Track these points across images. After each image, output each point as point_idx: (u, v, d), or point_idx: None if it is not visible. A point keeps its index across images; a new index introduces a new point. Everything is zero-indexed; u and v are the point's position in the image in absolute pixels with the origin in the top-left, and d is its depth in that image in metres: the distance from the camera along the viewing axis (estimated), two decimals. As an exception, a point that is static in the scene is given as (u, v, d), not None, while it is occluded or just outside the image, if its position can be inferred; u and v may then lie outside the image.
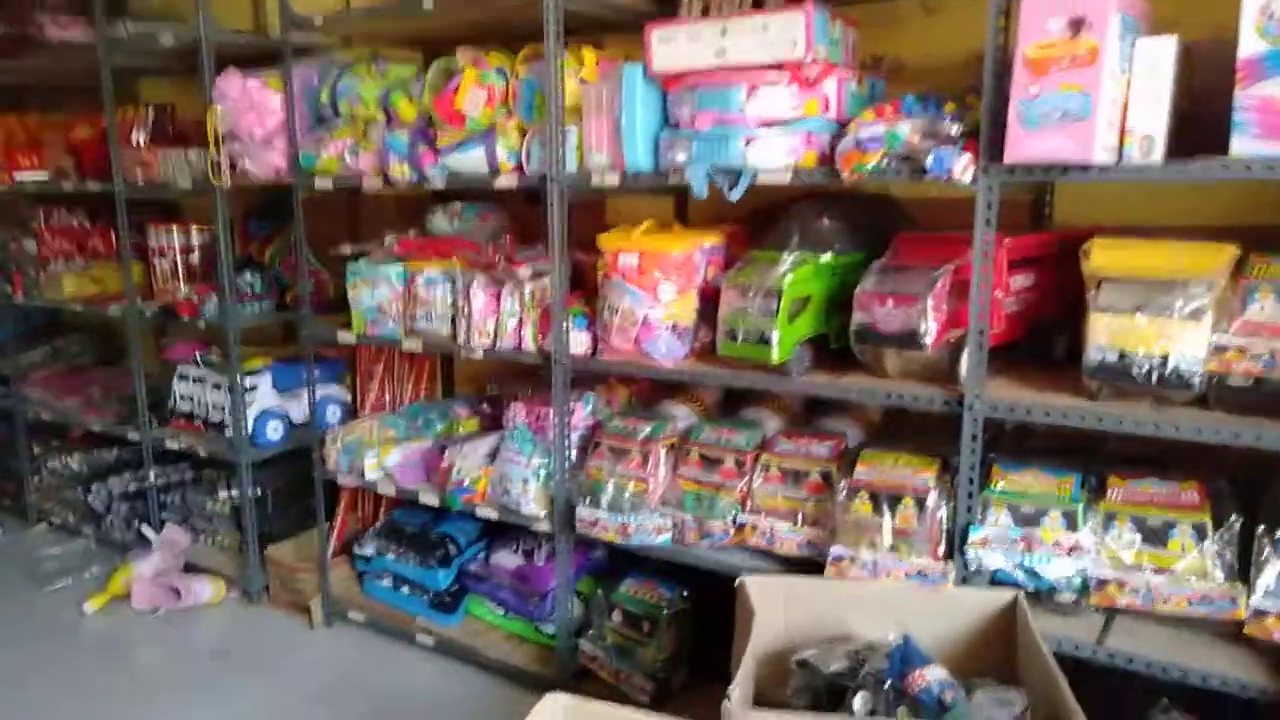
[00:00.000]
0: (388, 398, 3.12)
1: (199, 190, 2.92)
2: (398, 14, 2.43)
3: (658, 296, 2.11)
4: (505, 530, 2.67)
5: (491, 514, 2.47)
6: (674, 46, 2.00)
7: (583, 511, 2.25)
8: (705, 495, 2.15)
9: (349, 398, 3.18)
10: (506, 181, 2.29)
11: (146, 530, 3.22)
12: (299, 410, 3.15)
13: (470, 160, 2.31)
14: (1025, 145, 1.63)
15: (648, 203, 2.65)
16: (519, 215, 2.86)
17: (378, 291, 2.59)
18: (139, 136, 3.25)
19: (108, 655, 2.82)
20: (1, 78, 3.66)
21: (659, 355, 2.14)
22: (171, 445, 3.19)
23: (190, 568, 3.16)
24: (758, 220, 2.36)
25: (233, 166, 2.78)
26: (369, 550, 2.87)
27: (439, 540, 2.77)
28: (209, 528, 3.28)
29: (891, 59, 2.28)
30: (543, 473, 2.38)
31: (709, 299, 2.16)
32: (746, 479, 2.11)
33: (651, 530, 2.17)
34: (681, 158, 2.02)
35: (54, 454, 3.68)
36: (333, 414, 3.14)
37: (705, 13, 2.11)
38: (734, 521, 2.10)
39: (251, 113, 2.67)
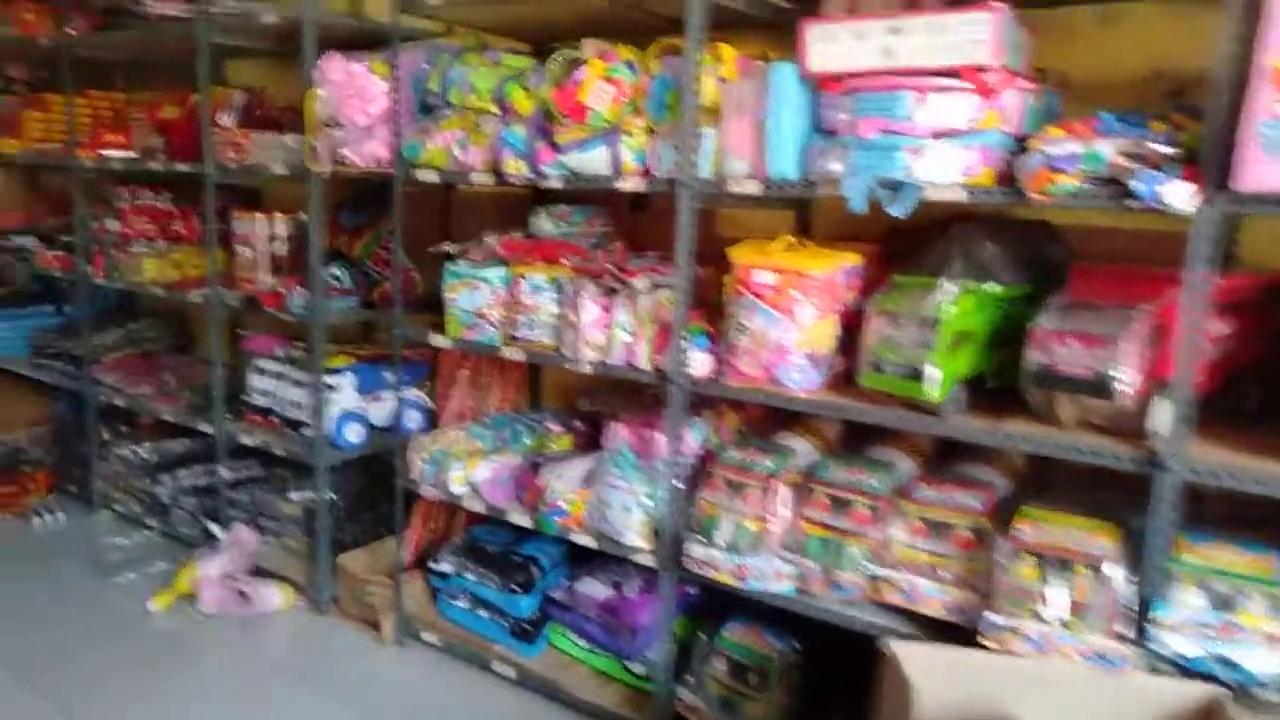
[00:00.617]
0: (470, 405, 2.96)
1: (292, 177, 2.79)
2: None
3: (795, 319, 1.92)
4: (591, 556, 2.49)
5: (588, 542, 2.29)
6: (834, 45, 1.81)
7: (694, 549, 2.06)
8: (833, 541, 1.94)
9: (429, 403, 3.03)
10: (630, 184, 2.11)
11: (214, 528, 3.09)
12: (379, 413, 3.01)
13: (592, 160, 2.13)
14: (1266, 173, 1.41)
15: (765, 214, 2.46)
16: (623, 221, 2.69)
17: (477, 295, 2.43)
18: (227, 118, 3.14)
19: (171, 657, 2.69)
20: (92, 53, 3.59)
21: (792, 384, 1.94)
22: (245, 441, 3.06)
23: (257, 570, 3.03)
24: (894, 240, 2.16)
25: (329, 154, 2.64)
26: (446, 567, 2.70)
27: (522, 563, 2.60)
28: (278, 529, 3.14)
29: (1057, 72, 2.06)
30: (647, 501, 2.20)
31: (848, 325, 1.97)
32: (882, 527, 1.90)
33: (772, 575, 1.97)
34: (836, 167, 1.82)
35: (122, 441, 3.58)
36: (412, 419, 2.99)
37: (851, 11, 1.92)
38: (867, 574, 1.89)
39: (354, 98, 2.53)
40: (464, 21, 2.65)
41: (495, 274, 2.41)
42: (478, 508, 2.53)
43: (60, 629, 2.83)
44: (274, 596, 2.89)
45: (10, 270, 4.04)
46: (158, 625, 2.88)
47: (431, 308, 2.79)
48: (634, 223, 2.69)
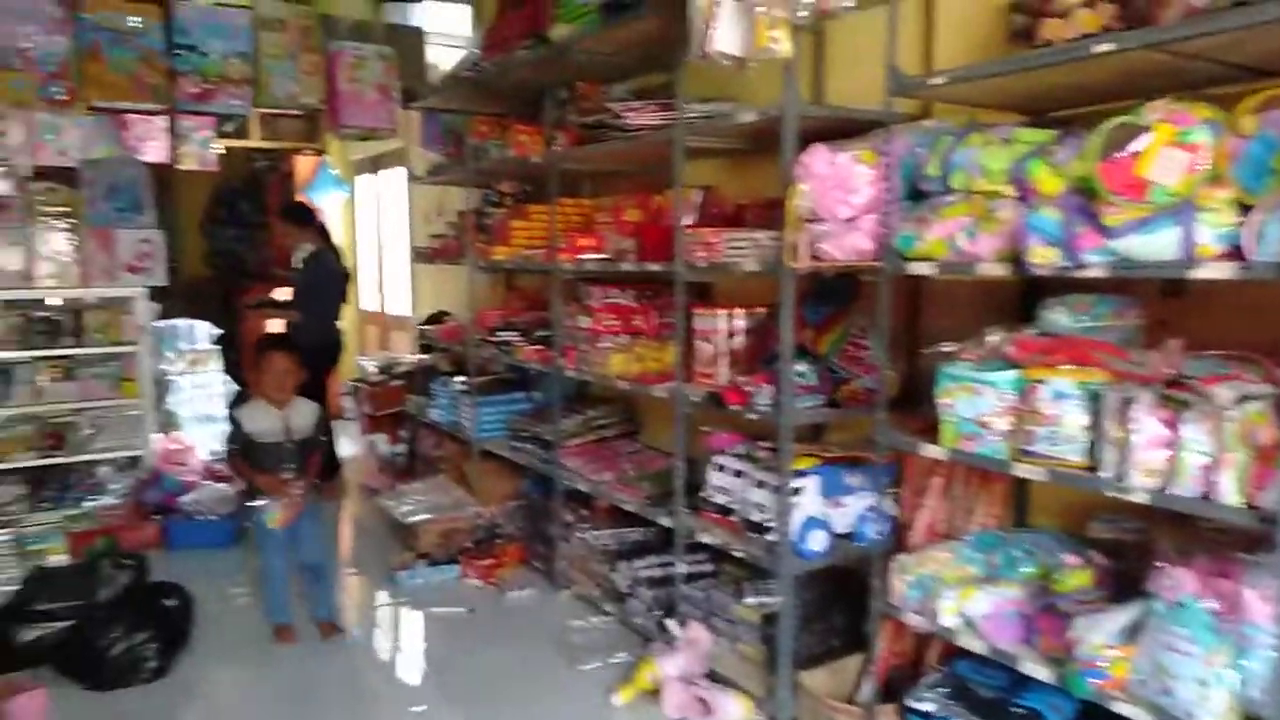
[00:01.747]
0: (943, 519, 2.64)
1: (751, 273, 2.74)
2: (1053, 62, 1.95)
3: None
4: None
5: (1138, 715, 1.83)
6: None
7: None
8: None
9: (895, 512, 2.75)
10: (1210, 271, 1.70)
11: (670, 624, 3.07)
12: (841, 519, 2.81)
13: (1155, 243, 1.75)
14: None
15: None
16: (1154, 311, 2.23)
17: (980, 401, 2.13)
18: (687, 218, 3.21)
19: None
20: (570, 166, 3.93)
21: None
22: (704, 538, 3.02)
23: (712, 674, 2.94)
24: None
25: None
26: (928, 707, 2.36)
27: (1026, 717, 2.18)
28: (730, 632, 3.04)
29: None
30: (1233, 676, 1.70)
31: None
32: None
33: None
34: None
35: (582, 524, 3.77)
36: (875, 529, 2.73)
37: None
38: None
39: (837, 190, 2.40)
40: (961, 100, 2.41)
41: (1003, 378, 2.10)
42: (975, 646, 2.18)
43: (533, 708, 2.96)
44: (734, 708, 2.76)
45: (494, 361, 4.55)
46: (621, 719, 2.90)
47: (903, 409, 2.55)
48: (1167, 313, 2.22)
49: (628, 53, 3.57)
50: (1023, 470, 2.06)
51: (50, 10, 4.06)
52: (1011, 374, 2.09)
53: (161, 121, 5.19)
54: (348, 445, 6.18)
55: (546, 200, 4.08)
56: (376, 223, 7.63)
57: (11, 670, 3.09)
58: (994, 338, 2.19)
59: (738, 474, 2.95)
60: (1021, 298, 2.43)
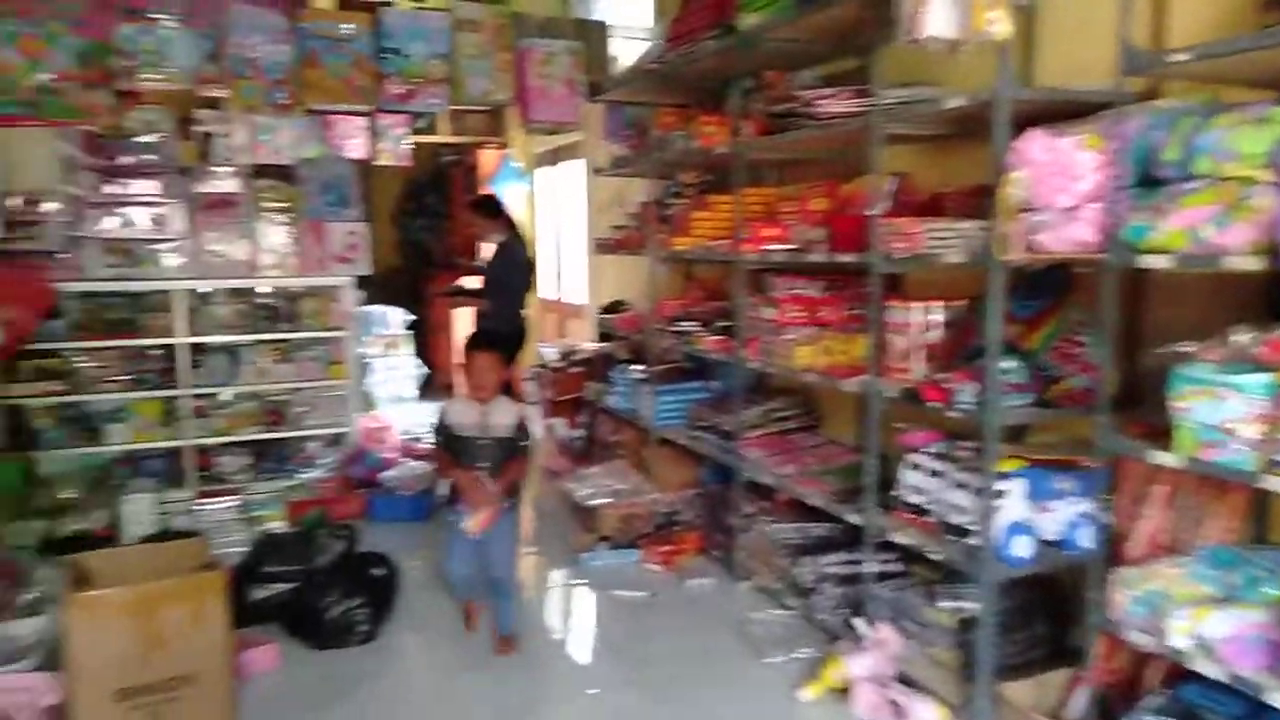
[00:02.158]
0: (1168, 531, 2.44)
1: (964, 265, 2.62)
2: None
3: None
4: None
5: None
6: None
7: None
8: None
9: (1110, 521, 2.58)
10: None
11: (858, 623, 3.01)
12: (1048, 526, 2.66)
13: None
14: None
15: None
16: None
17: (1224, 406, 1.95)
18: (878, 207, 3.11)
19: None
20: (755, 155, 3.90)
21: None
22: (895, 538, 2.94)
23: (902, 678, 2.86)
24: None
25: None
26: (1149, 731, 2.21)
27: (1269, 752, 2.00)
28: (922, 636, 2.95)
29: None
30: None
31: None
32: None
33: None
34: None
35: (762, 516, 3.75)
36: (1086, 538, 2.57)
37: None
38: None
39: (1057, 177, 2.26)
40: (1203, 77, 2.21)
41: (1253, 381, 1.91)
42: (1211, 671, 2.01)
43: (715, 697, 2.99)
44: (929, 714, 2.68)
45: (672, 350, 4.59)
46: (808, 715, 2.87)
47: (1123, 411, 2.38)
48: None
49: (819, 39, 3.50)
50: (1274, 483, 1.87)
51: (276, 22, 4.41)
52: (1264, 378, 1.91)
53: (362, 121, 5.53)
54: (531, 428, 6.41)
55: (729, 190, 4.07)
56: (555, 214, 7.86)
57: (245, 625, 3.41)
58: (1241, 338, 2.00)
59: (935, 473, 2.85)
60: (1266, 293, 2.22)
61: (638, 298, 5.69)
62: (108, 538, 4.33)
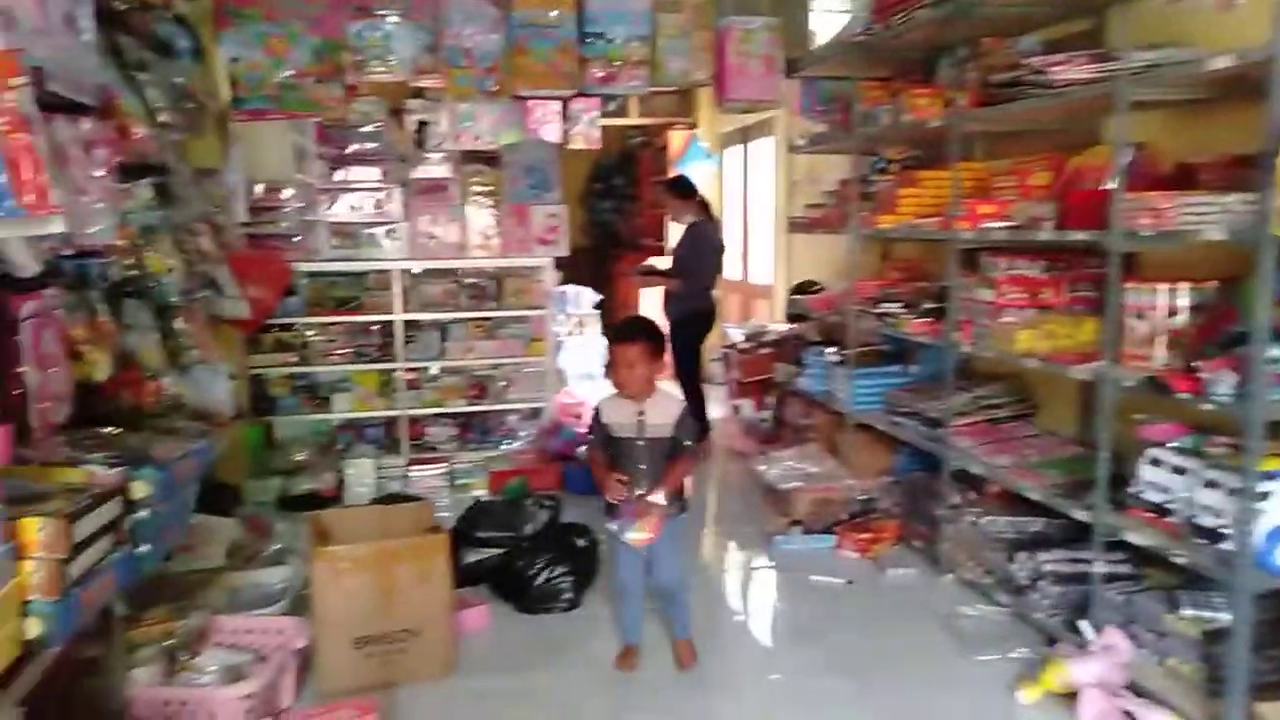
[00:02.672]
0: None
1: (1229, 243, 2.38)
2: None
3: None
4: None
5: None
6: None
7: None
8: None
9: (1399, 530, 2.28)
10: None
11: (1084, 626, 2.83)
12: (1319, 533, 2.38)
13: None
14: None
15: None
16: None
17: None
18: (1111, 181, 2.88)
19: (1046, 764, 2.51)
20: (970, 127, 3.71)
21: None
22: (1131, 538, 2.73)
23: (1133, 688, 2.67)
24: None
25: None
26: None
27: None
28: (1158, 646, 2.73)
29: None
30: None
31: None
32: None
33: None
34: None
35: (970, 507, 3.59)
36: (1369, 547, 2.29)
37: None
38: None
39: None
40: None
41: None
42: None
43: (923, 690, 2.89)
44: (1167, 729, 2.48)
45: (867, 333, 4.47)
46: (1028, 718, 2.73)
47: None
48: None
49: (1045, 2, 3.27)
50: None
51: (489, 12, 4.61)
52: None
53: (557, 105, 5.69)
54: (716, 409, 6.43)
55: (938, 166, 3.89)
56: (743, 194, 7.81)
57: (459, 586, 3.62)
58: None
59: (1179, 470, 2.62)
60: None
61: (830, 278, 5.57)
62: (334, 497, 4.72)
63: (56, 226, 1.78)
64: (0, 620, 1.66)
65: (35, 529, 1.76)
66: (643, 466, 2.89)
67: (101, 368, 2.47)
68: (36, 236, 1.97)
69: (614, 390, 2.98)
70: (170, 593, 2.97)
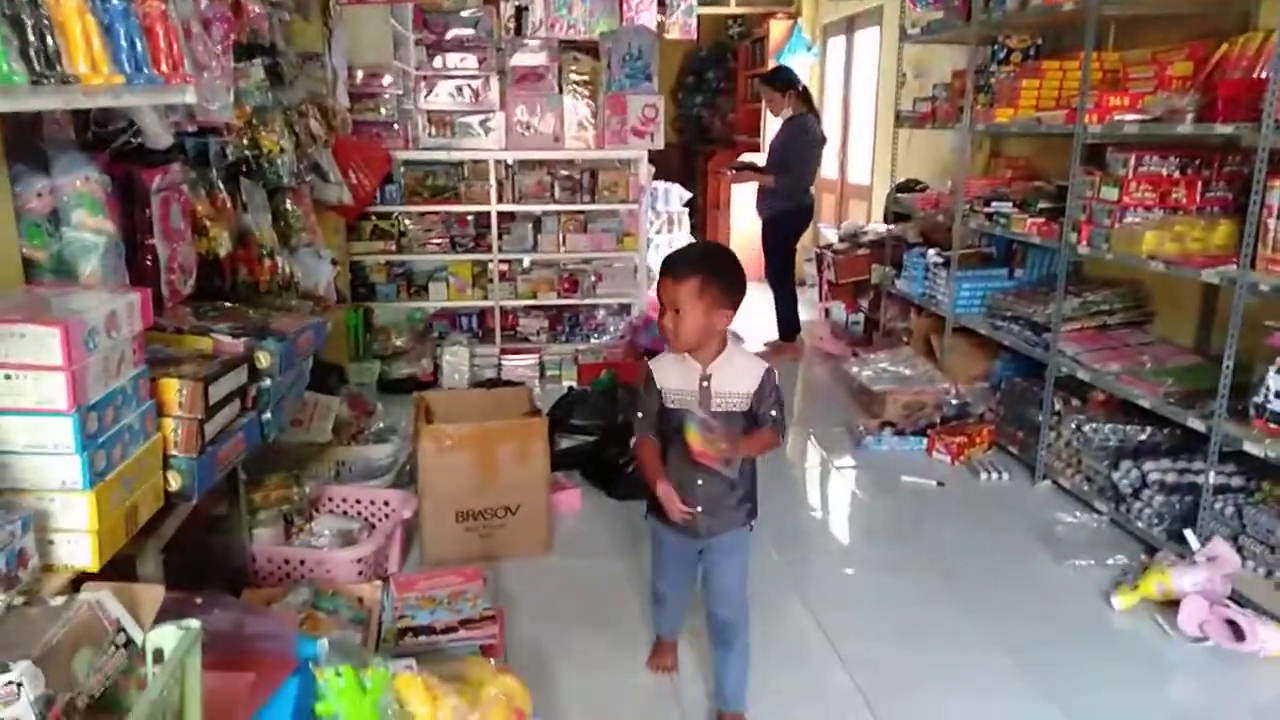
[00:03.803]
0: None
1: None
2: None
3: None
4: None
5: None
6: None
7: None
8: None
9: None
10: None
11: (1189, 535, 2.76)
12: None
13: None
14: None
15: None
16: None
17: None
18: (1265, 69, 2.65)
19: (1132, 664, 2.49)
20: (1112, 11, 3.43)
21: None
22: (1251, 449, 2.62)
23: (1236, 599, 2.61)
24: None
25: None
26: None
27: None
28: (1269, 559, 2.65)
29: None
30: None
31: None
32: None
33: None
34: None
35: (1074, 415, 3.49)
36: None
37: None
38: None
39: None
40: None
41: None
42: None
43: (1013, 591, 2.88)
44: (1274, 639, 2.43)
45: (972, 234, 4.30)
46: (1119, 623, 2.70)
47: None
48: None
49: None
50: None
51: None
52: None
53: (655, -8, 5.51)
54: (806, 311, 6.35)
55: (1063, 55, 3.65)
56: (843, 87, 7.50)
57: (554, 470, 3.72)
58: None
59: (1312, 381, 2.49)
60: None
61: (933, 178, 5.35)
62: (430, 382, 4.87)
63: (189, 97, 1.82)
64: (146, 473, 1.77)
65: (174, 389, 1.86)
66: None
67: (223, 243, 2.55)
68: (167, 107, 2.02)
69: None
70: (284, 463, 3.13)
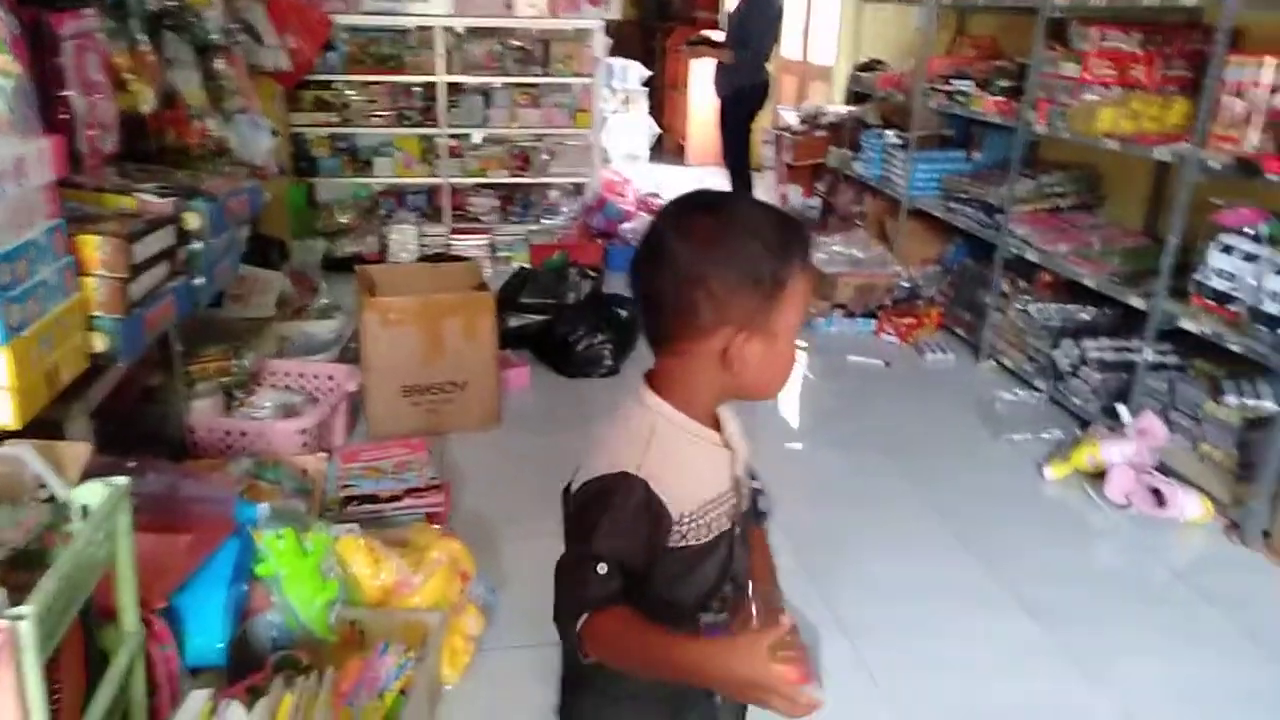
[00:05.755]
0: None
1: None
2: None
3: None
4: None
5: None
6: None
7: None
8: None
9: None
10: None
11: (1121, 409, 2.84)
12: (1389, 327, 2.31)
13: None
14: None
15: None
16: None
17: None
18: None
19: (1060, 530, 2.61)
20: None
21: None
22: (1187, 325, 2.67)
23: (1163, 469, 2.71)
24: None
25: None
26: None
27: None
28: (1194, 431, 2.75)
29: None
30: None
31: None
32: None
33: None
34: None
35: (1021, 296, 3.53)
36: None
37: None
38: None
39: None
40: None
41: None
42: None
43: (951, 463, 2.97)
44: (1193, 506, 2.54)
45: (930, 117, 4.23)
46: (1050, 493, 2.81)
47: None
48: None
49: None
50: None
51: None
52: None
53: None
54: (762, 194, 6.27)
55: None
56: (806, -39, 7.22)
57: (503, 348, 3.69)
58: None
59: (1250, 258, 2.52)
60: None
61: (896, 58, 5.23)
62: (377, 261, 4.75)
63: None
64: (67, 332, 1.70)
65: (94, 246, 1.77)
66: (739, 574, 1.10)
67: (146, 100, 2.40)
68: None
69: (688, 419, 1.05)
70: (224, 337, 3.05)
